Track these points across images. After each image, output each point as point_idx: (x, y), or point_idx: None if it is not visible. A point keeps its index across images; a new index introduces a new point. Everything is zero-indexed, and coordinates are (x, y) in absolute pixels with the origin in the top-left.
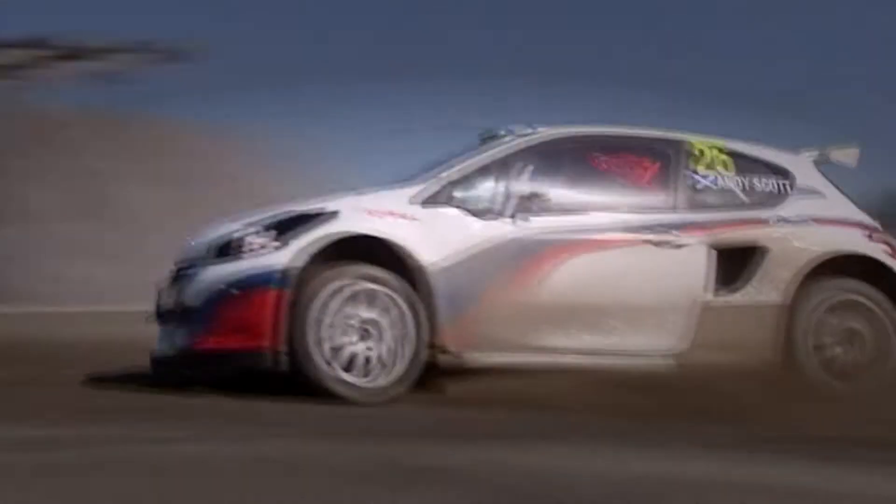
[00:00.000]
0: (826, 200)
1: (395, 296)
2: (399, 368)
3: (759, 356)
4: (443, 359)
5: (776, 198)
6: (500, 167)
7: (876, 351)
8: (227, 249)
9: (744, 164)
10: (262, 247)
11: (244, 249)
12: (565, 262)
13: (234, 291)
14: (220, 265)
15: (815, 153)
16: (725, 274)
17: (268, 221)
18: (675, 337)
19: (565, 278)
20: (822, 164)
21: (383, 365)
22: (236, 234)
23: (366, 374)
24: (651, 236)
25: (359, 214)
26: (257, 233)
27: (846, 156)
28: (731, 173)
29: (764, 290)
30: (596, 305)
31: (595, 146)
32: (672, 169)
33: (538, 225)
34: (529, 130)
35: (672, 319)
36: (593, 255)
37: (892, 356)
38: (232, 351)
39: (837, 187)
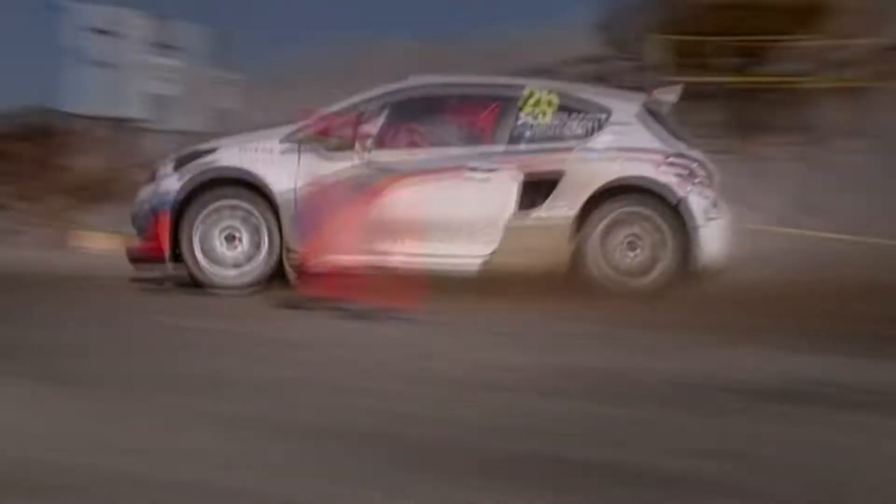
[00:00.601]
0: (633, 133)
1: (253, 211)
2: (261, 265)
3: (552, 261)
4: (294, 263)
5: (588, 133)
6: (349, 113)
7: (654, 254)
8: (153, 176)
9: (569, 104)
10: (167, 176)
11: (157, 177)
12: (399, 188)
13: (148, 210)
14: (147, 187)
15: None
16: (533, 195)
17: (176, 155)
18: (483, 245)
19: (398, 200)
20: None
21: (248, 261)
22: (156, 164)
23: (235, 268)
24: (472, 167)
25: (232, 151)
26: (168, 164)
27: (667, 93)
28: (552, 113)
29: (559, 208)
30: (422, 221)
31: (448, 93)
32: (503, 111)
33: (381, 159)
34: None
35: (482, 232)
36: (422, 183)
37: (669, 259)
38: (150, 254)
39: (661, 122)
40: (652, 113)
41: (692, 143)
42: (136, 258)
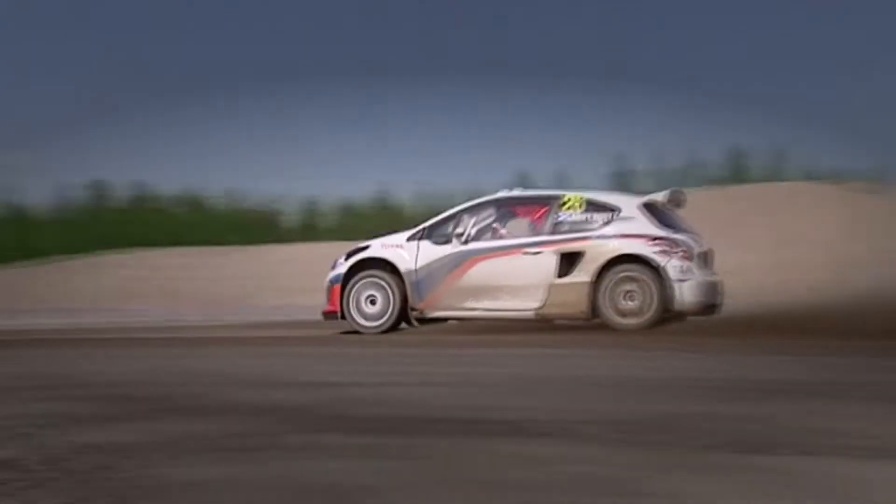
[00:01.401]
0: (634, 223)
1: (387, 279)
2: (388, 317)
3: (579, 309)
4: (415, 314)
5: (604, 224)
6: (449, 219)
7: (644, 302)
8: (334, 264)
9: (592, 205)
10: (341, 264)
11: (336, 265)
12: (480, 264)
13: (330, 284)
14: (330, 271)
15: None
16: (566, 266)
17: (348, 251)
18: (536, 301)
19: (480, 272)
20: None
21: (379, 312)
22: (336, 257)
23: (376, 320)
24: (521, 248)
25: (377, 247)
26: (343, 255)
27: (659, 195)
28: (580, 211)
29: (582, 274)
30: (495, 286)
31: (512, 202)
32: (549, 212)
33: (469, 247)
34: (498, 194)
35: (534, 292)
36: (495, 261)
37: (654, 305)
38: (331, 313)
39: (656, 215)
40: (649, 208)
41: (687, 229)
42: (325, 316)
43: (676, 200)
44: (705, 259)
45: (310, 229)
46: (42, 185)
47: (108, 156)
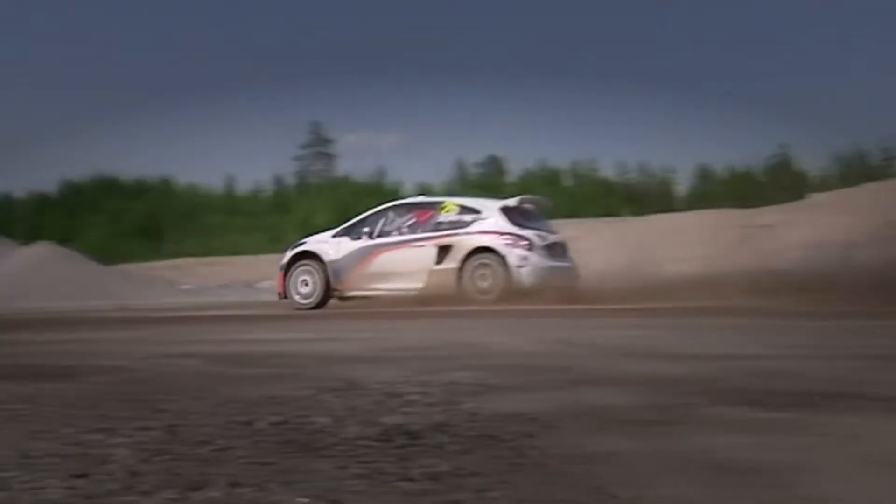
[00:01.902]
0: (491, 223)
1: (314, 267)
2: (317, 295)
3: (449, 289)
4: (336, 294)
5: (470, 223)
6: (362, 222)
7: (496, 281)
8: (283, 252)
9: (463, 209)
10: (285, 255)
11: (285, 251)
12: (382, 253)
13: (278, 271)
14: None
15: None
16: (441, 256)
17: (294, 242)
18: (420, 283)
19: (380, 261)
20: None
21: (309, 293)
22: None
23: (306, 298)
24: (410, 243)
25: (307, 244)
26: (289, 246)
27: (512, 201)
28: (455, 214)
29: (451, 262)
30: (391, 271)
31: (408, 206)
32: (433, 214)
33: (373, 242)
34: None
35: (419, 276)
36: (391, 252)
37: (502, 283)
38: (279, 294)
39: (509, 215)
40: (505, 210)
41: (539, 226)
42: (278, 296)
43: (529, 204)
44: (553, 249)
45: (701, 197)
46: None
47: (503, 133)
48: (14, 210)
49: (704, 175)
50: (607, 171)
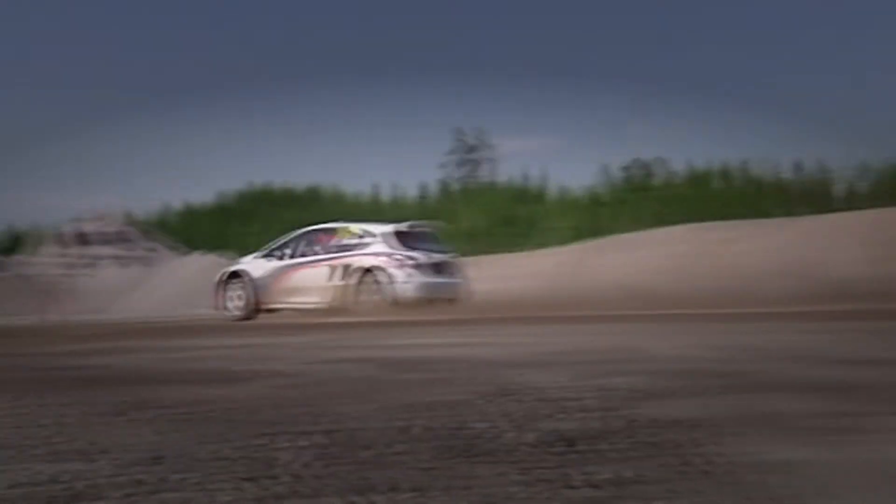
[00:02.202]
0: (382, 245)
1: (243, 283)
2: (246, 308)
3: (350, 303)
4: (260, 306)
5: (367, 245)
6: (284, 244)
7: (379, 292)
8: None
9: (360, 232)
10: (225, 271)
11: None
12: (295, 272)
13: (214, 287)
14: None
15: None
16: (342, 274)
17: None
18: (326, 298)
19: (292, 279)
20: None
21: (240, 306)
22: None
23: (237, 310)
24: (319, 262)
25: (240, 264)
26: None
27: (403, 225)
28: (352, 237)
29: (348, 279)
30: (303, 287)
31: (318, 231)
32: (335, 238)
33: (289, 262)
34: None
35: (322, 291)
36: (301, 271)
37: (389, 297)
38: (217, 307)
39: (400, 238)
40: (396, 234)
41: (427, 248)
42: (214, 309)
43: (420, 227)
44: (438, 268)
45: (859, 196)
46: (578, 167)
47: (655, 137)
48: (172, 221)
49: (863, 172)
50: (759, 171)
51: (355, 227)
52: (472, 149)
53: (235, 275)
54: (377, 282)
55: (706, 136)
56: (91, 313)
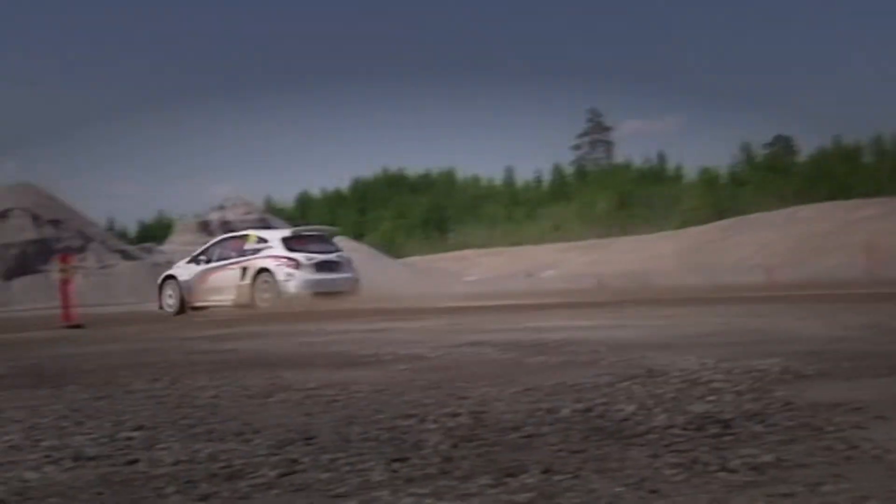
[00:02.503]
0: (274, 250)
1: (175, 285)
2: (177, 305)
3: (249, 299)
4: (188, 304)
5: (262, 249)
6: (205, 251)
7: (272, 292)
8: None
9: (258, 239)
10: (165, 273)
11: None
12: (212, 274)
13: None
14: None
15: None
16: (243, 275)
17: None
18: (232, 295)
19: (211, 279)
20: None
21: (172, 304)
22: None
23: (171, 308)
24: (229, 266)
25: (174, 268)
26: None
27: (288, 231)
28: (254, 242)
29: (247, 280)
30: (217, 287)
31: (231, 238)
32: (242, 244)
33: (209, 265)
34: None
35: (231, 290)
36: (217, 273)
37: (275, 293)
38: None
39: (289, 243)
40: (285, 239)
41: (313, 250)
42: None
43: (309, 232)
44: (323, 266)
45: None
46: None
47: (796, 113)
48: (309, 207)
49: None
50: None
51: (255, 234)
52: (604, 129)
53: (170, 277)
54: (266, 281)
55: (855, 106)
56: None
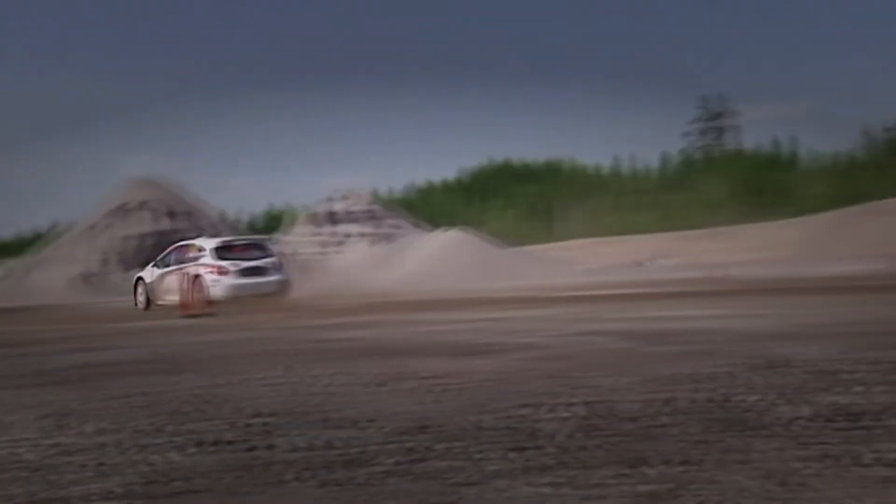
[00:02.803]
0: (207, 258)
1: (143, 285)
2: (145, 303)
3: (189, 302)
4: (153, 302)
5: (199, 258)
6: (167, 255)
7: (202, 295)
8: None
9: (198, 248)
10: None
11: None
12: (166, 277)
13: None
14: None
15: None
16: (183, 279)
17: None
18: (178, 297)
19: (166, 281)
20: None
21: (142, 301)
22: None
23: (141, 305)
24: (178, 270)
25: (143, 271)
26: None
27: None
28: (196, 250)
29: (186, 283)
30: (170, 288)
31: (182, 246)
32: (189, 251)
33: (165, 269)
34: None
35: (178, 292)
36: (169, 276)
37: (204, 293)
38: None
39: (220, 251)
40: (216, 248)
41: (240, 258)
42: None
43: (239, 241)
44: (248, 272)
45: None
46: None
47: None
48: (416, 198)
49: None
50: None
51: (197, 243)
52: (716, 116)
53: (139, 279)
54: (199, 285)
55: None
56: (340, 289)
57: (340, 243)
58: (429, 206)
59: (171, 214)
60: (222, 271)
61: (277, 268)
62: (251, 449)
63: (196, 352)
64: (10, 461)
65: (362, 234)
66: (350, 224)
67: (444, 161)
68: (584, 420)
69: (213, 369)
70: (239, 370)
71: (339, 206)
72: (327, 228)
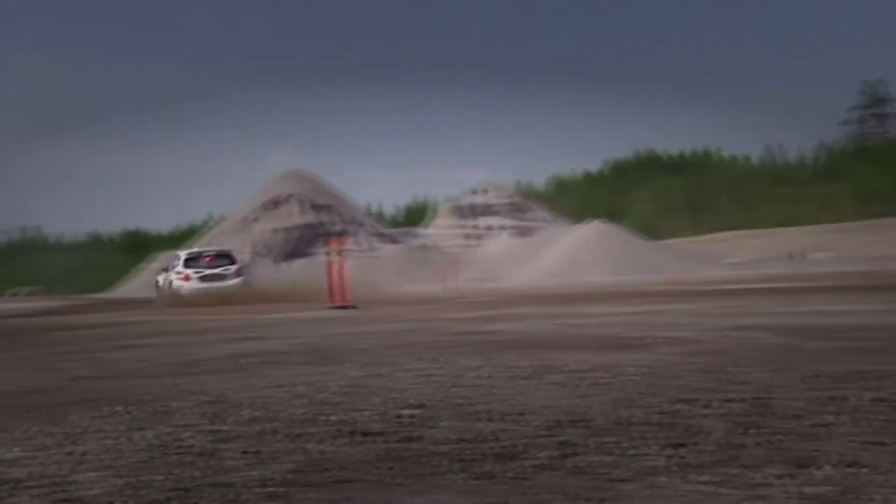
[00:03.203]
0: (179, 265)
1: (160, 287)
2: (160, 298)
3: (168, 301)
4: (163, 299)
5: (175, 263)
6: (169, 263)
7: (175, 297)
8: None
9: (177, 257)
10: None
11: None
12: (178, 280)
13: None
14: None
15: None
16: (165, 283)
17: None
18: (165, 296)
19: (162, 283)
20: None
21: (168, 293)
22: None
23: (160, 300)
24: (165, 275)
25: (158, 275)
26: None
27: (184, 252)
28: (176, 260)
29: (167, 286)
30: (165, 288)
31: (203, 253)
32: (174, 259)
33: (166, 274)
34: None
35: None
36: (163, 279)
37: (178, 297)
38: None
39: (190, 261)
40: (186, 257)
41: (205, 267)
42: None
43: (204, 251)
44: (207, 277)
45: None
46: None
47: None
48: (559, 190)
49: None
50: None
51: (178, 254)
52: (878, 102)
53: (156, 281)
54: (172, 287)
55: None
56: (484, 281)
57: (482, 236)
58: (570, 199)
59: (317, 207)
60: (186, 277)
61: (235, 274)
62: (406, 440)
63: (346, 343)
64: (175, 446)
65: (504, 227)
66: (492, 217)
67: (586, 153)
68: (743, 417)
69: (363, 360)
70: (387, 361)
71: (481, 199)
72: (469, 221)
